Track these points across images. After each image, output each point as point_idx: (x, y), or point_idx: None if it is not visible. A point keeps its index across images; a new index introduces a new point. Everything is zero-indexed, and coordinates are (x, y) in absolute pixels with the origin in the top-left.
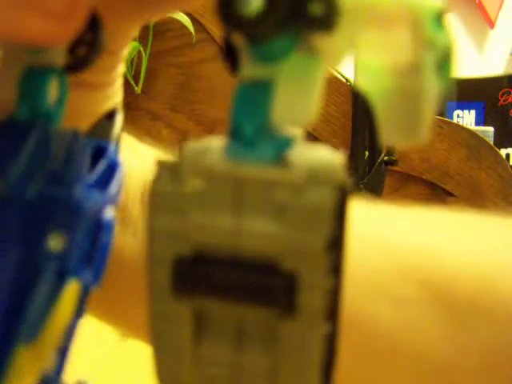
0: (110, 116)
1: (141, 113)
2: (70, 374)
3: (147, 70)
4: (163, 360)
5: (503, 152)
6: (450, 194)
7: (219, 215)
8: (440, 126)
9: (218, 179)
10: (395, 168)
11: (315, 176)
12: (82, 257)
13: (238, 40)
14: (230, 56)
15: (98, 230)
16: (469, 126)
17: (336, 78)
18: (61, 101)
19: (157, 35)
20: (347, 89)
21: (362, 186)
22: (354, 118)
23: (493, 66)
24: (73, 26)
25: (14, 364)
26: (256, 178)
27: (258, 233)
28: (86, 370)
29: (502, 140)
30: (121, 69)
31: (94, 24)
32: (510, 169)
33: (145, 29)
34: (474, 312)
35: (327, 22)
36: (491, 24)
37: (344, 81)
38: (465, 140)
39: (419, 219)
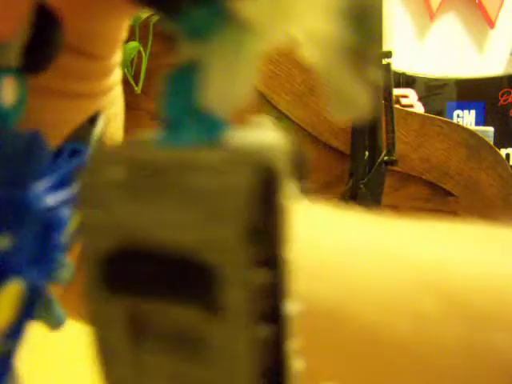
0: (93, 120)
1: (141, 113)
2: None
3: (147, 69)
4: (105, 365)
5: (503, 152)
6: (450, 194)
7: (142, 206)
8: (440, 126)
9: (138, 167)
10: (395, 168)
11: (234, 158)
12: (29, 256)
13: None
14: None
15: (51, 229)
16: (469, 126)
17: None
18: (20, 102)
19: (157, 35)
20: None
21: (361, 185)
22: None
23: (493, 66)
24: (6, 26)
25: None
26: (173, 164)
27: (177, 223)
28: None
29: (502, 140)
30: (116, 77)
31: (50, 23)
32: (510, 169)
33: (145, 29)
34: (492, 324)
35: None
36: (491, 24)
37: None
38: (465, 140)
39: (434, 233)
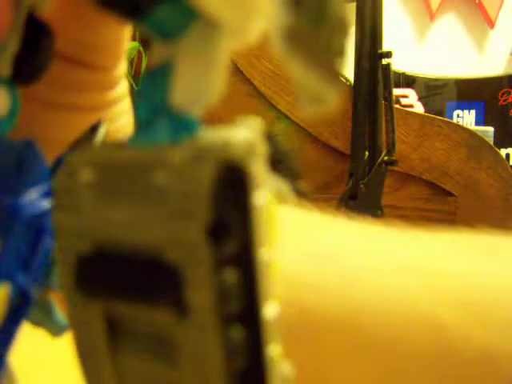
0: (94, 128)
1: None
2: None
3: (147, 70)
4: (85, 366)
5: (503, 152)
6: (450, 194)
7: (111, 207)
8: (440, 126)
9: (106, 168)
10: (395, 168)
11: (197, 156)
12: (17, 261)
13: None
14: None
15: (40, 235)
16: (469, 126)
17: None
18: (12, 112)
19: None
20: (347, 89)
21: (361, 185)
22: (354, 118)
23: (493, 66)
24: None
25: None
26: (139, 164)
27: (143, 223)
28: None
29: (502, 140)
30: (122, 89)
31: (41, 33)
32: (510, 169)
33: None
34: None
35: None
36: (491, 24)
37: (344, 81)
38: (465, 140)
39: (447, 244)
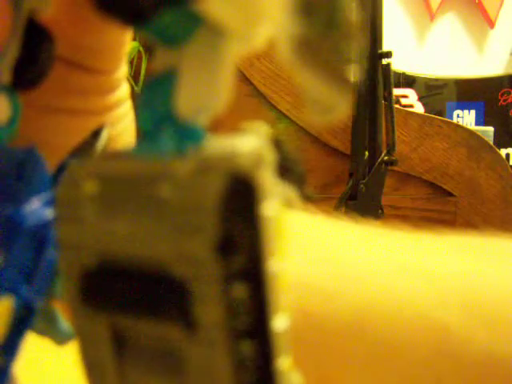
0: (96, 134)
1: None
2: None
3: (147, 69)
4: (91, 379)
5: (503, 152)
6: (450, 194)
7: (115, 220)
8: (440, 126)
9: (109, 180)
10: (395, 168)
11: (203, 167)
12: (20, 272)
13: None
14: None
15: (44, 246)
16: (469, 126)
17: None
18: (13, 119)
19: None
20: None
21: (362, 185)
22: (354, 118)
23: (493, 66)
24: None
25: None
26: (144, 175)
27: (149, 236)
28: None
29: (502, 140)
30: (122, 92)
31: (41, 38)
32: (510, 169)
33: None
34: None
35: None
36: (491, 24)
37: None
38: (465, 140)
39: (453, 246)
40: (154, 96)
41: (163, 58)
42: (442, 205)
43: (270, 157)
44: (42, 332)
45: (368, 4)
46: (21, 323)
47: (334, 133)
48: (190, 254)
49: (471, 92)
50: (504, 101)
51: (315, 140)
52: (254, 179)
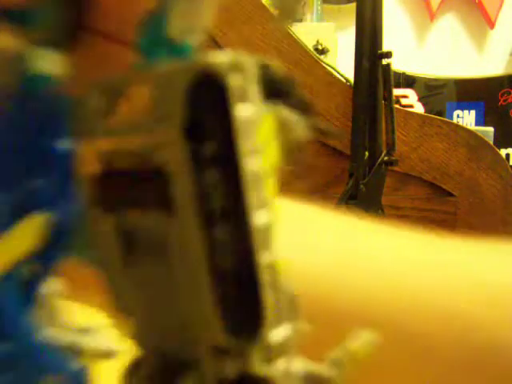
0: None
1: None
2: None
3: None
4: (106, 279)
5: (503, 152)
6: (450, 194)
7: (114, 124)
8: (440, 126)
9: (110, 91)
10: (395, 168)
11: (182, 67)
12: (57, 194)
13: None
14: None
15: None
16: (469, 126)
17: (336, 78)
18: (53, 71)
19: None
20: (347, 89)
21: (362, 185)
22: (354, 118)
23: (493, 66)
24: None
25: None
26: (134, 80)
27: (137, 130)
28: None
29: (502, 140)
30: None
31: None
32: (510, 169)
33: None
34: None
35: None
36: (491, 24)
37: (344, 81)
38: (465, 140)
39: (493, 253)
40: (151, 25)
41: None
42: (442, 205)
43: (250, 67)
44: (78, 252)
45: (368, 4)
46: (58, 239)
47: None
48: (164, 139)
49: (471, 92)
50: (504, 101)
51: (314, 140)
52: (225, 80)
